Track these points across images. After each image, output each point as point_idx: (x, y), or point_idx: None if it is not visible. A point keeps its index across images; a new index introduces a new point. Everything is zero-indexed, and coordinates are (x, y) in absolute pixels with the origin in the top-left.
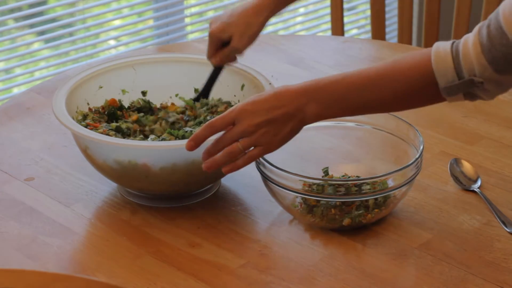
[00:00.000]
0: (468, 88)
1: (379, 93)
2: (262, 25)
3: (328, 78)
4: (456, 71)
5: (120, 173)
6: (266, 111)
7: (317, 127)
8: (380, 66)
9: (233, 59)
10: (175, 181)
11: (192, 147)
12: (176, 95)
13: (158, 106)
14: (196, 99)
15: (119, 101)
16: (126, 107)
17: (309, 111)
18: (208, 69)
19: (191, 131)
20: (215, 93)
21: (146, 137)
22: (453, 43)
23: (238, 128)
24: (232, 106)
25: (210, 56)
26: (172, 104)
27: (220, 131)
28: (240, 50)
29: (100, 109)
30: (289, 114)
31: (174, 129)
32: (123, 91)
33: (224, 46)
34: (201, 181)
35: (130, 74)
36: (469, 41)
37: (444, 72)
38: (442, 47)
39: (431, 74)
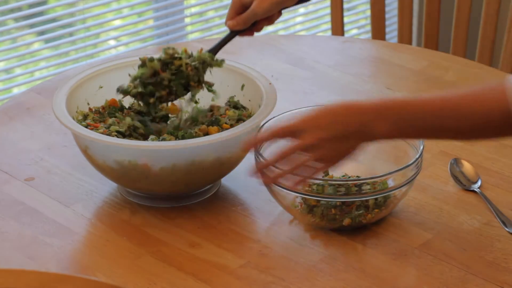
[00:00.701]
0: None
1: (456, 122)
2: None
3: (403, 99)
4: None
5: (120, 173)
6: (331, 125)
7: None
8: (457, 94)
9: (250, 31)
10: (175, 181)
11: (249, 147)
12: None
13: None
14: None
15: (119, 101)
16: (127, 107)
17: (378, 129)
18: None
19: (191, 132)
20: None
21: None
22: None
23: (303, 141)
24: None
25: (229, 19)
26: (173, 105)
27: (281, 139)
28: (259, 14)
29: (101, 109)
30: (354, 134)
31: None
32: None
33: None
34: (201, 181)
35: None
36: None
37: None
38: None
39: (510, 110)
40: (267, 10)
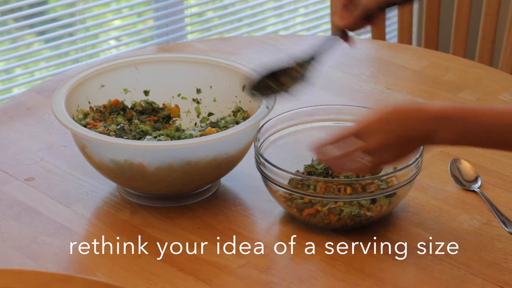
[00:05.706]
0: None
1: None
2: None
3: (470, 107)
4: None
5: (116, 172)
6: (395, 130)
7: (318, 127)
8: None
9: (350, 38)
10: (172, 181)
11: (316, 152)
12: (179, 95)
13: (160, 105)
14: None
15: (122, 102)
16: (129, 107)
17: (442, 137)
18: (210, 70)
19: (191, 133)
20: (216, 94)
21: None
22: None
23: (366, 145)
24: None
25: (338, 16)
26: (176, 106)
27: (343, 139)
28: (371, 10)
29: (102, 108)
30: (417, 139)
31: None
32: (125, 90)
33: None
34: (199, 182)
35: (132, 73)
36: None
37: None
38: None
39: None
40: (376, 5)
